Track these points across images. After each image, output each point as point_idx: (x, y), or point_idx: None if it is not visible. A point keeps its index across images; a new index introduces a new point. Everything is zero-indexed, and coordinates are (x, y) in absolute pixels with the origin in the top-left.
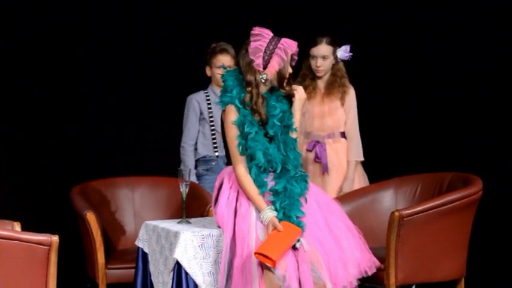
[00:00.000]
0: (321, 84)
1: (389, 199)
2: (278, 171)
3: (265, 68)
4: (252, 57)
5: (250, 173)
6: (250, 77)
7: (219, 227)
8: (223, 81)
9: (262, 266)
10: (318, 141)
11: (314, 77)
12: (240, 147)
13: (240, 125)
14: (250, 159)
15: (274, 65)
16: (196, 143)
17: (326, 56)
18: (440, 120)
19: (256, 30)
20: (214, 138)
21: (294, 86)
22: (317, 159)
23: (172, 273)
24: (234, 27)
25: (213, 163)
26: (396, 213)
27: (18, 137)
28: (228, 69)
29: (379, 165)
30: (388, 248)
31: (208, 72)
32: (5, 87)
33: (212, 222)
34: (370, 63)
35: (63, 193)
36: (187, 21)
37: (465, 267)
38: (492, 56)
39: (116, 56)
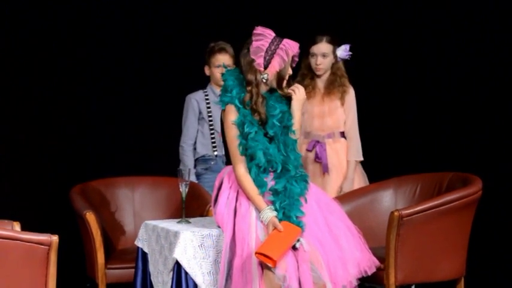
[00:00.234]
0: (321, 83)
1: (388, 199)
2: (278, 171)
3: (266, 68)
4: (253, 56)
5: (250, 173)
6: (250, 77)
7: (219, 226)
8: (223, 81)
9: (262, 266)
10: (317, 141)
11: (313, 76)
12: (240, 147)
13: (240, 125)
14: (250, 159)
15: (275, 65)
16: (195, 143)
17: (326, 54)
18: (440, 120)
19: (259, 29)
20: (213, 138)
21: (293, 87)
22: (317, 159)
23: (171, 273)
24: (234, 27)
25: (212, 162)
26: (396, 213)
27: (18, 137)
28: (228, 68)
29: (379, 165)
30: (387, 248)
31: (207, 71)
32: (5, 87)
33: (212, 222)
34: (370, 63)
35: (63, 193)
36: (187, 21)
37: (465, 267)
38: (492, 56)
39: (116, 56)
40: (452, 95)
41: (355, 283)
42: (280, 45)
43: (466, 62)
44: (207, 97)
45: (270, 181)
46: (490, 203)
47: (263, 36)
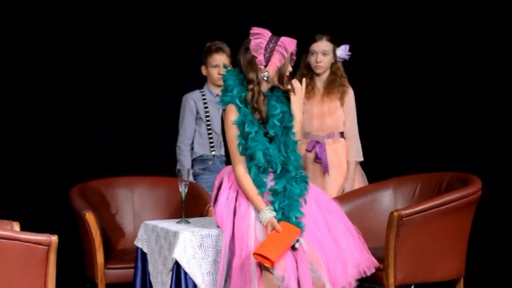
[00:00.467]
0: (320, 83)
1: (388, 199)
2: (278, 171)
3: (266, 65)
4: (254, 53)
5: (249, 173)
6: (252, 75)
7: (218, 226)
8: (223, 81)
9: (261, 266)
10: (317, 142)
11: (313, 76)
12: (240, 147)
13: (240, 124)
14: (250, 159)
15: (276, 62)
16: (192, 143)
17: (326, 52)
18: (440, 120)
19: (255, 29)
20: (211, 138)
21: (292, 82)
22: (317, 159)
23: (171, 273)
24: (234, 27)
25: (210, 162)
26: (395, 213)
27: (18, 137)
28: (229, 68)
29: (379, 165)
30: (387, 248)
31: (203, 71)
32: (5, 87)
33: (211, 222)
34: (370, 63)
35: (63, 193)
36: (187, 21)
37: (464, 267)
38: (492, 56)
39: (116, 56)
40: (452, 95)
41: (354, 283)
42: (279, 42)
43: (466, 62)
44: (204, 97)
45: (269, 181)
46: (490, 203)
47: (261, 35)
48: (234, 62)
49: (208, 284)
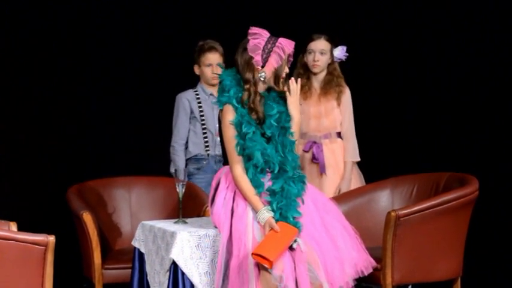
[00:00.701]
0: (317, 84)
1: (385, 199)
2: (275, 171)
3: (263, 65)
4: (251, 54)
5: (247, 173)
6: (248, 75)
7: (216, 227)
8: (220, 81)
9: (259, 267)
10: (314, 142)
11: (309, 76)
12: (238, 148)
13: (238, 124)
14: (248, 159)
15: (273, 63)
16: (187, 142)
17: (324, 51)
18: (440, 120)
19: (254, 29)
20: (205, 137)
21: (289, 83)
22: (314, 159)
23: (168, 273)
24: (234, 27)
25: (204, 162)
26: (393, 213)
27: (18, 137)
28: (226, 69)
29: (380, 165)
30: (384, 248)
31: (196, 70)
32: (5, 87)
33: (209, 222)
34: (370, 63)
35: (63, 193)
36: (187, 21)
37: (461, 267)
38: (492, 56)
39: (116, 56)
40: (452, 95)
41: (351, 283)
42: (277, 43)
43: (466, 62)
44: (197, 96)
45: (267, 182)
46: (490, 203)
47: (259, 35)
48: (227, 60)
49: (206, 284)
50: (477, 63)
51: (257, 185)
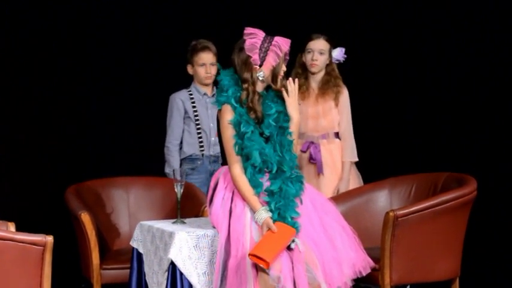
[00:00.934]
0: (315, 84)
1: (384, 199)
2: (274, 171)
3: (261, 64)
4: (248, 53)
5: (245, 173)
6: (246, 75)
7: (214, 227)
8: (218, 81)
9: (257, 267)
10: (312, 142)
11: (307, 76)
12: (236, 147)
13: (236, 124)
14: (246, 159)
15: (271, 62)
16: (181, 142)
17: (323, 51)
18: (440, 120)
19: (249, 29)
20: (200, 137)
21: (286, 83)
22: (312, 160)
23: (166, 273)
24: (234, 27)
25: (199, 162)
26: (391, 214)
27: (18, 137)
28: (223, 69)
29: (379, 165)
30: (382, 248)
31: (190, 70)
32: (5, 87)
33: (207, 222)
34: (370, 63)
35: (62, 193)
36: (187, 21)
37: (460, 267)
38: (492, 56)
39: (116, 56)
40: (452, 95)
41: (350, 284)
42: (273, 42)
43: (466, 62)
44: (191, 96)
45: (265, 182)
46: (490, 203)
47: (255, 35)
48: (222, 60)
49: (204, 284)
50: (477, 63)
51: (255, 185)
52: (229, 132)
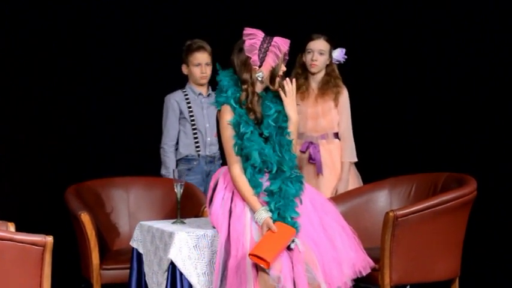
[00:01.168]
0: (314, 84)
1: (384, 199)
2: (273, 171)
3: (260, 65)
4: (248, 54)
5: (245, 173)
6: (246, 75)
7: (214, 227)
8: (218, 81)
9: (257, 267)
10: (311, 142)
11: (307, 77)
12: (236, 147)
13: (236, 125)
14: (246, 159)
15: (270, 62)
16: (177, 143)
17: (323, 51)
18: (440, 120)
19: (248, 30)
20: (196, 137)
21: (284, 83)
22: (311, 160)
23: (166, 273)
24: (234, 27)
25: (195, 162)
26: (391, 214)
27: (18, 137)
28: (222, 69)
29: (379, 165)
30: (382, 248)
31: (185, 70)
32: (5, 87)
33: (207, 222)
34: (370, 63)
35: (62, 193)
36: (186, 21)
37: (460, 267)
38: (492, 56)
39: (116, 56)
40: (452, 95)
41: (350, 284)
42: (272, 43)
43: (466, 62)
44: (186, 96)
45: (265, 182)
46: (490, 203)
47: (254, 36)
48: (221, 60)
49: (204, 284)
50: (477, 63)
51: (255, 185)
52: (228, 133)
